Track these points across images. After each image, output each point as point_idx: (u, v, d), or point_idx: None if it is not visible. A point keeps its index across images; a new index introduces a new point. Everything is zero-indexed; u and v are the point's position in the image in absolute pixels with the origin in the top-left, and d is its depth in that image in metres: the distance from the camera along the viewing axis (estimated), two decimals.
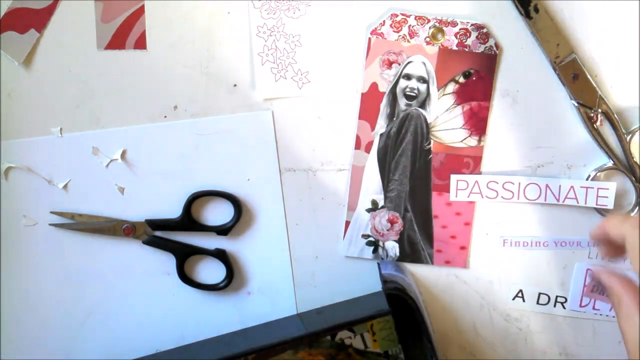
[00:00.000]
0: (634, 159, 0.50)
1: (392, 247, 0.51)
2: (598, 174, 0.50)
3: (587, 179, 0.50)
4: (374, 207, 0.51)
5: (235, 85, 0.51)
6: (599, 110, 0.50)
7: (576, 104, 0.50)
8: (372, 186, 0.51)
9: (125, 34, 0.51)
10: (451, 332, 0.52)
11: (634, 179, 0.50)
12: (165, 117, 0.51)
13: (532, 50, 0.50)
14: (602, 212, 0.50)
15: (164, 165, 0.52)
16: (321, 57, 0.51)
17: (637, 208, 0.50)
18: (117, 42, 0.51)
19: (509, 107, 0.51)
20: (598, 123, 0.50)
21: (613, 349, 0.52)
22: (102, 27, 0.51)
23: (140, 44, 0.51)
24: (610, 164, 0.50)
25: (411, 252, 0.52)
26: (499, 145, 0.51)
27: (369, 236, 0.52)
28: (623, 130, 0.50)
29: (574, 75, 0.49)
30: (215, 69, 0.51)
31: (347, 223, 0.52)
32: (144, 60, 0.51)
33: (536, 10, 0.49)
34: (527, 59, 0.50)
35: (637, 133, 0.50)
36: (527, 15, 0.49)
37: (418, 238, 0.51)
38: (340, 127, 0.51)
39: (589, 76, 0.49)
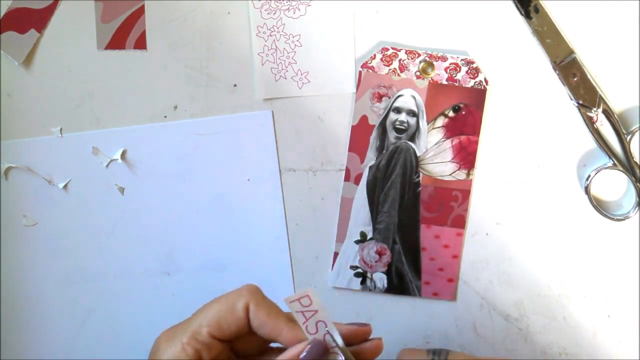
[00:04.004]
0: (634, 159, 0.50)
1: (380, 279, 0.52)
2: (598, 174, 0.50)
3: (587, 179, 0.50)
4: (363, 239, 0.51)
5: (235, 85, 0.51)
6: (599, 110, 0.50)
7: (576, 104, 0.50)
8: (361, 218, 0.51)
9: (125, 34, 0.51)
10: (451, 332, 0.52)
11: (634, 179, 0.50)
12: (165, 117, 0.51)
13: (532, 50, 0.50)
14: (600, 211, 0.50)
15: (164, 165, 0.52)
16: (321, 57, 0.51)
17: (637, 208, 0.50)
18: (117, 42, 0.51)
19: (508, 107, 0.51)
20: (598, 123, 0.50)
21: (613, 349, 0.52)
22: (102, 27, 0.51)
23: (140, 44, 0.51)
24: (610, 164, 0.50)
25: (399, 283, 0.52)
26: (498, 144, 0.51)
27: (357, 267, 0.52)
28: (623, 130, 0.50)
29: (574, 75, 0.50)
30: (215, 69, 0.51)
31: (336, 254, 0.52)
32: (144, 60, 0.51)
33: (536, 10, 0.49)
34: (527, 59, 0.50)
35: (637, 133, 0.50)
36: (527, 15, 0.49)
37: (406, 270, 0.51)
38: (340, 127, 0.51)
39: (589, 76, 0.49)
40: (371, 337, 0.40)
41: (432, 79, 0.50)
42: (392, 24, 0.51)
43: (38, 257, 0.52)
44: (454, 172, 0.51)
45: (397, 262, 0.51)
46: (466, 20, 0.50)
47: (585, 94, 0.50)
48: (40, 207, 0.52)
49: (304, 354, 0.37)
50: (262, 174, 0.52)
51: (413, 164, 0.51)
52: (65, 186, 0.52)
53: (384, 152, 0.51)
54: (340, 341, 0.38)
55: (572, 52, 0.49)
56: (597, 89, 0.50)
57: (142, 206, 0.52)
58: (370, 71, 0.51)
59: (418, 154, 0.51)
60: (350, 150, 0.51)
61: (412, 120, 0.51)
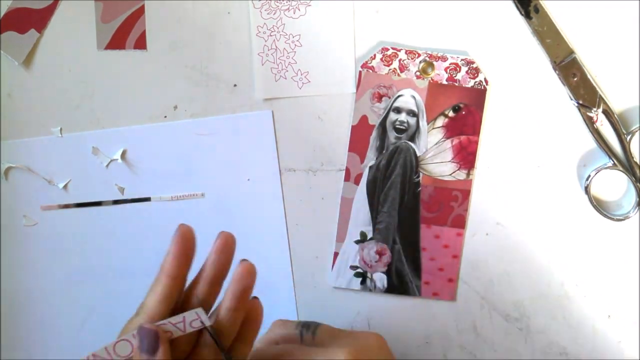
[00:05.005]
0: (634, 159, 0.50)
1: (380, 279, 0.52)
2: (598, 174, 0.50)
3: (587, 179, 0.50)
4: (363, 239, 0.51)
5: (235, 85, 0.51)
6: (599, 110, 0.50)
7: (576, 104, 0.50)
8: (361, 218, 0.51)
9: (125, 34, 0.51)
10: (451, 332, 0.52)
11: (634, 179, 0.50)
12: (165, 117, 0.51)
13: (532, 50, 0.50)
14: (600, 211, 0.50)
15: (164, 165, 0.52)
16: (321, 57, 0.51)
17: (637, 208, 0.50)
18: (117, 42, 0.51)
19: (508, 107, 0.51)
20: (598, 123, 0.50)
21: (613, 349, 0.52)
22: (102, 27, 0.51)
23: (140, 44, 0.51)
24: (610, 164, 0.50)
25: (399, 284, 0.52)
26: (498, 144, 0.51)
27: (357, 267, 0.52)
28: (623, 130, 0.50)
29: (574, 75, 0.50)
30: (215, 69, 0.51)
31: (336, 254, 0.52)
32: (144, 60, 0.51)
33: (536, 10, 0.49)
34: (527, 59, 0.50)
35: (637, 133, 0.50)
36: (527, 15, 0.49)
37: (406, 270, 0.51)
38: (340, 127, 0.51)
39: (589, 76, 0.49)
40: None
41: (432, 79, 0.50)
42: (392, 24, 0.51)
43: (38, 257, 0.52)
44: (454, 172, 0.51)
45: (397, 262, 0.51)
46: (466, 20, 0.50)
47: (585, 94, 0.50)
48: (41, 207, 0.52)
49: (137, 343, 0.36)
50: (262, 174, 0.52)
51: (413, 164, 0.51)
52: (65, 186, 0.52)
53: (384, 152, 0.51)
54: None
55: (572, 52, 0.49)
56: (597, 89, 0.49)
57: (142, 206, 0.52)
58: (370, 71, 0.51)
59: (418, 154, 0.51)
60: (350, 150, 0.51)
61: (412, 120, 0.51)
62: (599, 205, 0.50)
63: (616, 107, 0.50)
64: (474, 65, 0.50)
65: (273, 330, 0.45)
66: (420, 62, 0.50)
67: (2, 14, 0.50)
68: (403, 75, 0.51)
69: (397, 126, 0.51)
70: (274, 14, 0.50)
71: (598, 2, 0.50)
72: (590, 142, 0.50)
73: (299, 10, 0.50)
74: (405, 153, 0.51)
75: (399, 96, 0.51)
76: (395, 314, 0.52)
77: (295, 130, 0.51)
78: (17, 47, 0.50)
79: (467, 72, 0.50)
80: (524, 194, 0.51)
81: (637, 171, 0.50)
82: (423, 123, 0.51)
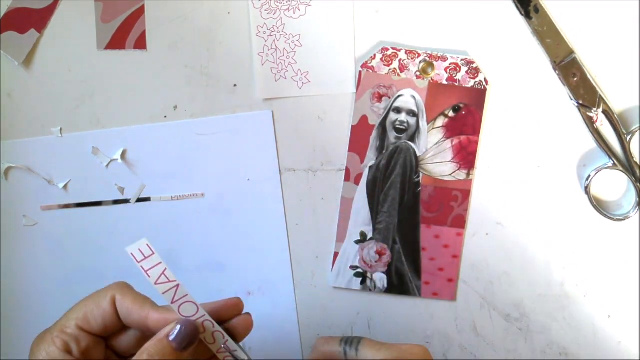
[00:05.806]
0: (634, 159, 0.50)
1: (380, 279, 0.52)
2: (598, 174, 0.50)
3: (587, 179, 0.50)
4: (363, 239, 0.51)
5: (235, 85, 0.51)
6: (599, 110, 0.50)
7: (576, 104, 0.50)
8: (361, 218, 0.51)
9: (125, 34, 0.51)
10: (451, 332, 0.52)
11: (634, 179, 0.50)
12: (165, 117, 0.51)
13: (532, 50, 0.50)
14: (600, 211, 0.50)
15: (164, 165, 0.52)
16: (321, 57, 0.51)
17: (637, 208, 0.50)
18: (117, 42, 0.51)
19: (508, 107, 0.51)
20: (598, 123, 0.50)
21: (613, 349, 0.52)
22: (102, 27, 0.51)
23: (140, 44, 0.51)
24: (610, 164, 0.50)
25: (399, 283, 0.52)
26: (498, 144, 0.51)
27: (357, 267, 0.52)
28: (623, 130, 0.50)
29: (574, 75, 0.50)
30: (215, 69, 0.51)
31: (336, 254, 0.52)
32: (144, 60, 0.51)
33: (536, 10, 0.49)
34: (527, 59, 0.50)
35: (637, 133, 0.50)
36: (527, 15, 0.49)
37: (406, 270, 0.51)
38: (340, 127, 0.51)
39: (589, 76, 0.49)
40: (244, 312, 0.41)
41: (432, 79, 0.50)
42: (392, 24, 0.51)
43: (38, 257, 0.52)
44: (454, 172, 0.51)
45: (397, 262, 0.51)
46: (466, 20, 0.50)
47: (585, 94, 0.50)
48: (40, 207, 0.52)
49: (173, 335, 0.37)
50: (262, 174, 0.52)
51: (413, 164, 0.51)
52: (65, 186, 0.52)
53: (384, 152, 0.51)
54: (209, 317, 0.39)
55: (572, 52, 0.49)
56: (597, 89, 0.50)
57: (142, 206, 0.52)
58: (370, 71, 0.51)
59: (418, 154, 0.51)
60: (350, 150, 0.51)
61: (412, 120, 0.51)
62: (599, 205, 0.50)
63: (616, 107, 0.50)
64: (474, 65, 0.50)
65: (317, 349, 0.44)
66: (420, 62, 0.50)
67: (2, 14, 0.50)
68: (403, 75, 0.51)
69: (397, 126, 0.51)
70: (274, 14, 0.50)
71: (598, 2, 0.50)
72: (590, 142, 0.51)
73: (299, 10, 0.50)
74: (405, 153, 0.51)
75: (399, 96, 0.51)
76: (395, 314, 0.52)
77: (295, 130, 0.51)
78: (17, 47, 0.50)
79: (467, 72, 0.50)
80: (524, 194, 0.51)
81: (637, 171, 0.50)
82: (423, 123, 0.51)
